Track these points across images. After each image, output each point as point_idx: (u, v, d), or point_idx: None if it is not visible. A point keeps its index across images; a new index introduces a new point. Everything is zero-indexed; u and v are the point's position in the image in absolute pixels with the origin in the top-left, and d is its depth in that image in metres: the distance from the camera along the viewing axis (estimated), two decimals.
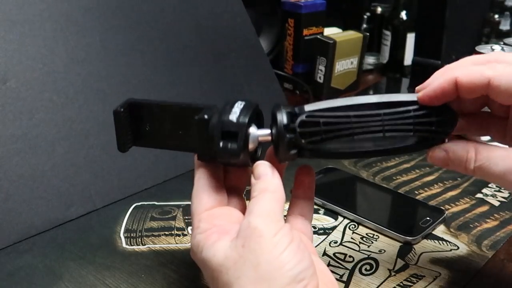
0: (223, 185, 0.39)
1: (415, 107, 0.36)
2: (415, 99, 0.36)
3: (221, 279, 0.32)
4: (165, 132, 0.40)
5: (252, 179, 0.36)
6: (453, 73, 0.34)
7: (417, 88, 0.37)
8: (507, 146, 0.38)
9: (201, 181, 0.38)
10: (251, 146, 0.36)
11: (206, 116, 0.36)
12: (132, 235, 0.51)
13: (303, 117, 0.36)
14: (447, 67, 0.37)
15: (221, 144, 0.35)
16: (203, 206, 0.37)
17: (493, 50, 0.68)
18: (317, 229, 0.52)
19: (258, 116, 0.38)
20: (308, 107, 0.36)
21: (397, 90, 0.91)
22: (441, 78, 0.35)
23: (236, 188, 0.40)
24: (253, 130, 0.36)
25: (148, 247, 0.49)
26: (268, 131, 0.37)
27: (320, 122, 0.36)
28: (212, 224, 0.35)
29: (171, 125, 0.39)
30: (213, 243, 0.34)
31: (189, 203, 0.56)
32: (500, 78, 0.33)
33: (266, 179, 0.35)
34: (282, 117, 0.36)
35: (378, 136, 0.36)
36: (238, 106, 0.36)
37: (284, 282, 0.31)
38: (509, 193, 0.57)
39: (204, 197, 0.37)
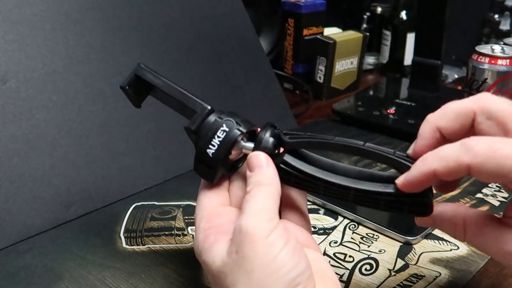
0: (225, 187, 0.39)
1: (388, 190, 0.34)
2: (392, 181, 0.34)
3: (221, 284, 0.32)
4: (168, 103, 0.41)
5: (247, 171, 0.36)
6: (430, 166, 0.31)
7: (408, 151, 0.35)
8: None
9: (203, 185, 0.38)
10: (233, 154, 0.37)
11: (193, 128, 0.37)
12: (132, 235, 0.51)
13: (280, 159, 0.36)
14: (426, 131, 0.34)
15: (198, 167, 0.37)
16: (204, 206, 0.37)
17: (493, 50, 0.69)
18: (317, 229, 0.52)
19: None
20: (290, 140, 0.37)
21: (397, 90, 0.91)
22: (418, 171, 0.32)
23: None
24: (240, 140, 0.37)
25: (148, 247, 0.49)
26: (252, 145, 0.37)
27: (292, 175, 0.36)
28: (212, 223, 0.35)
29: (171, 106, 0.41)
30: (211, 245, 0.34)
31: (189, 203, 0.56)
32: (480, 167, 0.29)
33: (261, 171, 0.35)
34: (266, 144, 0.37)
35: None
36: (221, 133, 0.36)
37: (279, 287, 0.30)
38: (508, 193, 0.57)
39: (205, 198, 0.37)
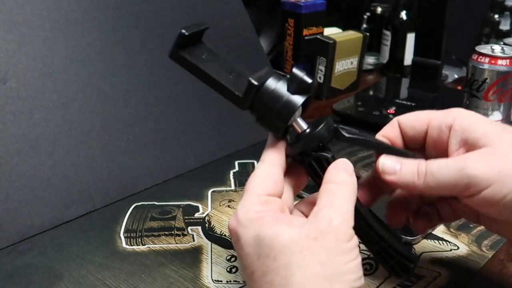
0: (283, 179, 0.38)
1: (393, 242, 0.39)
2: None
3: (280, 260, 0.32)
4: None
5: (332, 170, 0.37)
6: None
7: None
8: None
9: (267, 167, 0.38)
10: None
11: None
12: (132, 235, 0.51)
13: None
14: None
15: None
16: (260, 189, 0.36)
17: (493, 50, 0.69)
18: None
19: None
20: (347, 134, 0.39)
21: (397, 90, 0.91)
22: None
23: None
24: (298, 113, 0.37)
25: (148, 247, 0.49)
26: (305, 125, 0.38)
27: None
28: (266, 208, 0.35)
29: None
30: (273, 223, 0.33)
31: (189, 203, 0.56)
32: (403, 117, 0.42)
33: (350, 175, 0.36)
34: (323, 134, 0.37)
35: None
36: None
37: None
38: None
39: (264, 182, 0.37)
